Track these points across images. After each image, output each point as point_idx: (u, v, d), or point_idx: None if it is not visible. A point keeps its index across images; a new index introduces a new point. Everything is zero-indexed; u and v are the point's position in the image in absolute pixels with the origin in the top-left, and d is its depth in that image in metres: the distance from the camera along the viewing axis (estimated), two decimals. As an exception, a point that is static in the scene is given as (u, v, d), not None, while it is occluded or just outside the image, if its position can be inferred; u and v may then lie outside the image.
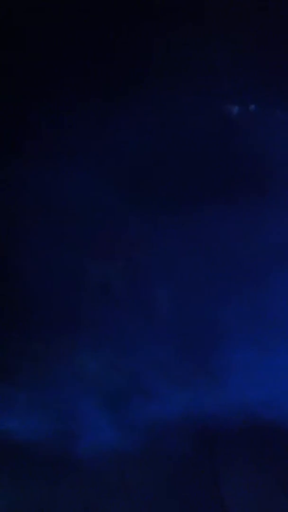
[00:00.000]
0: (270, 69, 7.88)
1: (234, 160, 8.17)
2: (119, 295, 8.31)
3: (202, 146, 8.19)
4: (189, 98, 8.10)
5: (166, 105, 8.18)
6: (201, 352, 7.45)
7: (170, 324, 8.17)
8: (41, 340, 7.76)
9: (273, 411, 6.10)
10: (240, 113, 8.42)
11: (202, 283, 8.10)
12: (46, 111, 8.12)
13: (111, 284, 8.32)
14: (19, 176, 7.98)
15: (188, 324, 7.92)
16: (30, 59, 8.00)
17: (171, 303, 8.30)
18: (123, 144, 8.14)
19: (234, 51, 7.94)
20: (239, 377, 7.13)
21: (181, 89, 8.11)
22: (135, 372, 7.31)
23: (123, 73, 8.09)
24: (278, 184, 8.02)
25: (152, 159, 8.25)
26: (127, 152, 8.22)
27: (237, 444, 5.88)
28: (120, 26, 8.02)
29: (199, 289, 8.10)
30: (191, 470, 5.65)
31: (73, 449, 5.87)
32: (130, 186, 8.22)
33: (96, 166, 8.00)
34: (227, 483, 5.52)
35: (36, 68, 8.03)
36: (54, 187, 8.00)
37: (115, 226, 8.33)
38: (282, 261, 7.97)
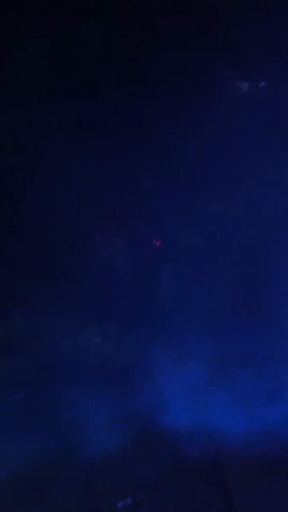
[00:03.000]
0: (280, 46, 7.83)
1: (241, 133, 8.17)
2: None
3: (212, 121, 8.17)
4: (199, 75, 8.08)
5: (175, 83, 8.17)
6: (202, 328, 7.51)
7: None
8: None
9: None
10: (250, 89, 8.39)
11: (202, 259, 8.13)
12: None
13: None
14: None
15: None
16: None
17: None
18: (131, 119, 8.14)
19: (244, 28, 7.89)
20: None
21: (192, 67, 8.08)
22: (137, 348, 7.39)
23: (140, 45, 8.09)
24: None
25: (161, 134, 8.26)
26: (135, 125, 8.23)
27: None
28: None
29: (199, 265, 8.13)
30: (191, 445, 5.68)
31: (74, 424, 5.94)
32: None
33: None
34: (225, 456, 5.56)
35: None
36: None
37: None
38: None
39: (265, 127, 8.10)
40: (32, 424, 6.00)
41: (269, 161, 8.06)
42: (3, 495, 5.10)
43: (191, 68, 8.11)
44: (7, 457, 5.55)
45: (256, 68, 8.26)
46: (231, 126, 8.20)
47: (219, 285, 7.86)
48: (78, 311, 7.92)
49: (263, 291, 7.68)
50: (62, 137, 7.98)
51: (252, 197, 8.20)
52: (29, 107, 8.13)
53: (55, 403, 6.26)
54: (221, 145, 8.27)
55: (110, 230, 8.37)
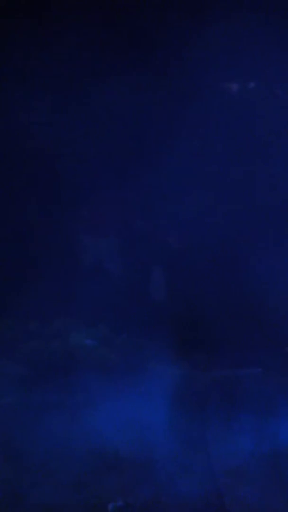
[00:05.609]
0: (270, 47, 7.83)
1: (233, 134, 8.17)
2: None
3: (202, 122, 8.17)
4: (189, 75, 8.07)
5: (166, 81, 8.16)
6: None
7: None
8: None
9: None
10: (239, 90, 8.39)
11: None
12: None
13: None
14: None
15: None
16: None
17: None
18: (121, 113, 8.13)
19: (234, 28, 7.88)
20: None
21: (182, 66, 8.07)
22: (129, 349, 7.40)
23: (127, 47, 8.06)
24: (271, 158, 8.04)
25: (149, 133, 8.25)
26: (125, 122, 8.22)
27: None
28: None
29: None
30: (185, 445, 5.68)
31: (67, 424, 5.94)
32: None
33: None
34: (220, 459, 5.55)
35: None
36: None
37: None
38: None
39: (261, 129, 8.13)
40: (24, 427, 5.99)
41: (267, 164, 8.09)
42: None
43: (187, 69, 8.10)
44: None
45: (251, 69, 8.27)
46: (228, 127, 8.21)
47: (217, 285, 7.88)
48: (69, 313, 7.93)
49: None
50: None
51: (249, 198, 8.23)
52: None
53: (46, 406, 6.26)
54: (217, 147, 8.28)
55: (101, 230, 8.36)
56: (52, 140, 8.14)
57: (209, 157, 8.24)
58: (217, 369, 7.03)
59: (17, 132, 8.20)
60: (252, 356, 7.06)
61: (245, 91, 8.38)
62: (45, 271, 7.97)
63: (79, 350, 7.42)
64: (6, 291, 7.90)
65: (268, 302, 7.71)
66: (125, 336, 7.59)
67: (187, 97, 8.05)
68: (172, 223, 8.28)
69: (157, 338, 7.48)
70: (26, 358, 7.20)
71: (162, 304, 8.29)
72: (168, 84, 8.16)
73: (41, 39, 7.93)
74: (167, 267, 8.38)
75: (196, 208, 8.20)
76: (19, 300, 7.85)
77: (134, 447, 5.75)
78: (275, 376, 6.79)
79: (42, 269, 7.99)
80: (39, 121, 8.27)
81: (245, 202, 8.25)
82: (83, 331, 7.69)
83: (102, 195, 8.29)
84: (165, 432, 5.91)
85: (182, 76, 8.11)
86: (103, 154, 8.15)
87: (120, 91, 8.08)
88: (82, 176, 8.12)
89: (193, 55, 7.93)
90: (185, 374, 6.94)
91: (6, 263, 8.08)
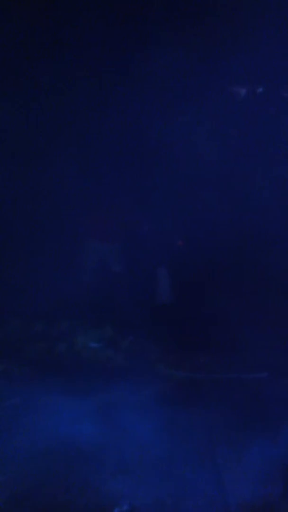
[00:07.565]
0: (278, 52, 7.85)
1: (240, 138, 8.19)
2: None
3: (209, 126, 8.19)
4: (198, 80, 8.09)
5: (174, 86, 8.18)
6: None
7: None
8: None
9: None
10: (247, 95, 8.41)
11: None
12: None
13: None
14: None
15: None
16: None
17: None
18: (127, 122, 8.16)
19: (242, 33, 7.90)
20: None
21: (190, 71, 8.09)
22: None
23: (133, 50, 8.08)
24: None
25: (157, 143, 8.27)
26: (131, 130, 8.24)
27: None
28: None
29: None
30: (189, 444, 5.69)
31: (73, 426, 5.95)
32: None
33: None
34: (224, 459, 5.55)
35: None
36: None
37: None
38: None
39: (264, 133, 8.15)
40: (29, 428, 6.00)
41: (268, 166, 8.09)
42: (0, 498, 5.11)
43: (189, 73, 8.10)
44: (4, 461, 5.55)
45: (254, 73, 8.28)
46: (230, 131, 8.22)
47: (221, 288, 7.90)
48: (74, 315, 7.95)
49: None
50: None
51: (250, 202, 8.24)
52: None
53: (51, 408, 6.27)
54: (220, 150, 8.29)
55: (105, 232, 8.35)
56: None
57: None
58: (222, 372, 7.04)
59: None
60: (259, 360, 7.08)
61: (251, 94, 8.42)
62: (51, 274, 8.00)
63: (84, 352, 7.46)
64: (12, 293, 7.94)
65: (273, 303, 7.74)
66: (130, 338, 7.62)
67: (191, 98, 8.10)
68: (176, 226, 8.31)
69: (162, 341, 7.52)
70: (32, 359, 7.23)
71: (168, 307, 8.32)
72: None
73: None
74: (171, 270, 8.41)
75: (199, 210, 8.23)
76: (25, 302, 7.89)
77: (139, 450, 5.74)
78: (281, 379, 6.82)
79: (48, 272, 8.02)
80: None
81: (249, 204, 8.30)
82: (89, 333, 7.73)
83: (106, 200, 8.33)
84: (169, 435, 5.90)
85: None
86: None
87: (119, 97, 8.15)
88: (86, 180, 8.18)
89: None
90: (190, 376, 6.96)
91: (13, 265, 8.11)
